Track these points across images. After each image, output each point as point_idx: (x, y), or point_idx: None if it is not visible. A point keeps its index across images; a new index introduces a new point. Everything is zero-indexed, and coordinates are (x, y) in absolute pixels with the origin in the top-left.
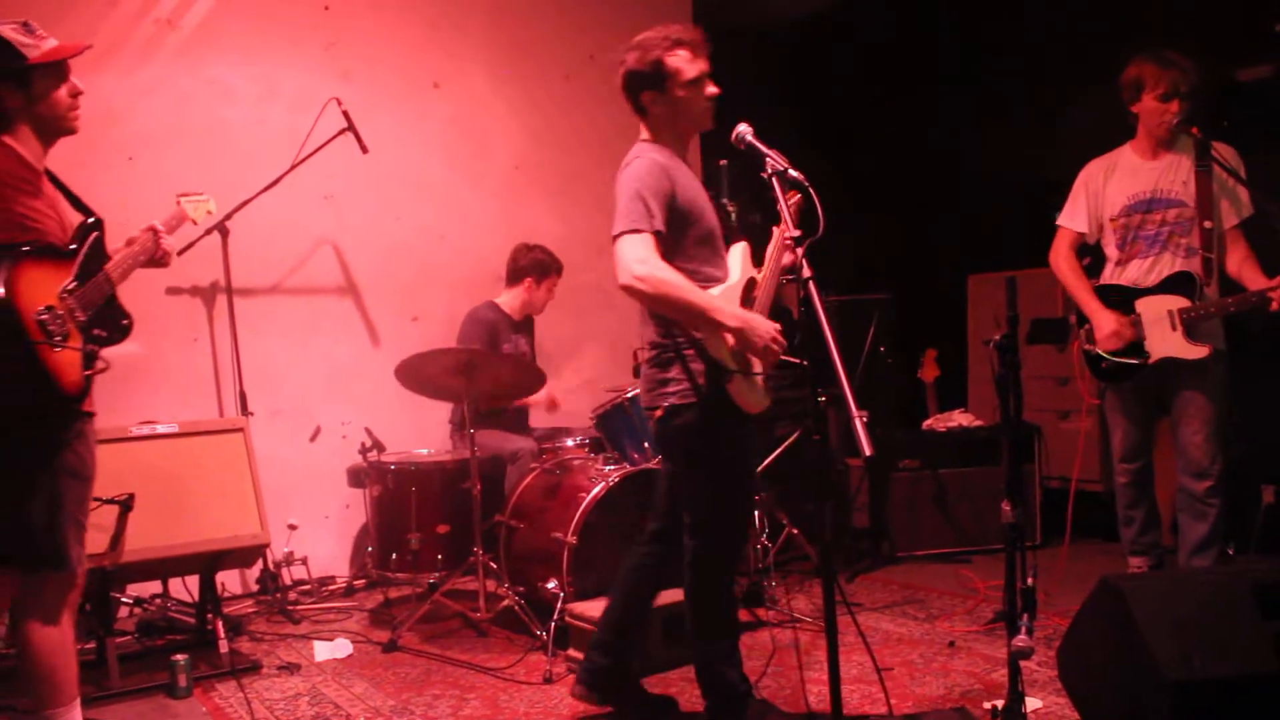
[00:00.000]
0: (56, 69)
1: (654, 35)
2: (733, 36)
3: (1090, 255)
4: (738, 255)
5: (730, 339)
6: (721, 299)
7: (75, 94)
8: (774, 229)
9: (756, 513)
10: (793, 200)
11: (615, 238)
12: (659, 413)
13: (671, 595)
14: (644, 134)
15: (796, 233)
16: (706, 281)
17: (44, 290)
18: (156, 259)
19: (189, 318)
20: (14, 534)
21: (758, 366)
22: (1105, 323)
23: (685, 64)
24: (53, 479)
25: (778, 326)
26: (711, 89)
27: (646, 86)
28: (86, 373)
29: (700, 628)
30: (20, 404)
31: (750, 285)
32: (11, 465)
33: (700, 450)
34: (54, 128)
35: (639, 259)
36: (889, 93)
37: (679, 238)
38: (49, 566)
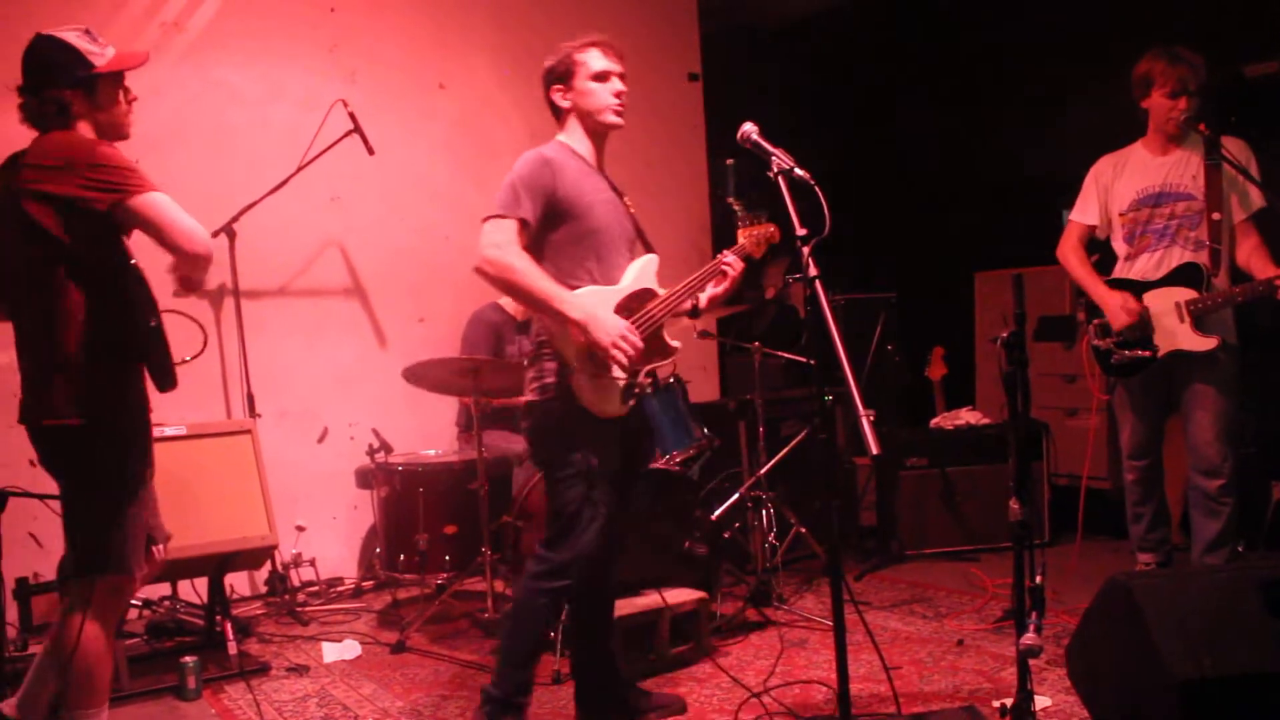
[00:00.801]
0: (118, 78)
1: (573, 40)
2: (738, 35)
3: (1099, 253)
4: (640, 267)
5: (578, 336)
6: (585, 296)
7: (131, 100)
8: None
9: (764, 511)
10: (758, 232)
11: (483, 222)
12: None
13: (676, 595)
14: (559, 133)
15: (735, 259)
16: (576, 280)
17: None
18: None
19: (197, 320)
20: (81, 537)
21: (616, 371)
22: (1112, 301)
23: (593, 60)
24: (136, 483)
25: (627, 326)
26: (617, 86)
27: (554, 81)
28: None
29: (506, 620)
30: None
31: (642, 296)
32: (97, 470)
33: (548, 449)
34: (112, 133)
35: (493, 243)
36: (894, 91)
37: (551, 232)
38: (109, 570)
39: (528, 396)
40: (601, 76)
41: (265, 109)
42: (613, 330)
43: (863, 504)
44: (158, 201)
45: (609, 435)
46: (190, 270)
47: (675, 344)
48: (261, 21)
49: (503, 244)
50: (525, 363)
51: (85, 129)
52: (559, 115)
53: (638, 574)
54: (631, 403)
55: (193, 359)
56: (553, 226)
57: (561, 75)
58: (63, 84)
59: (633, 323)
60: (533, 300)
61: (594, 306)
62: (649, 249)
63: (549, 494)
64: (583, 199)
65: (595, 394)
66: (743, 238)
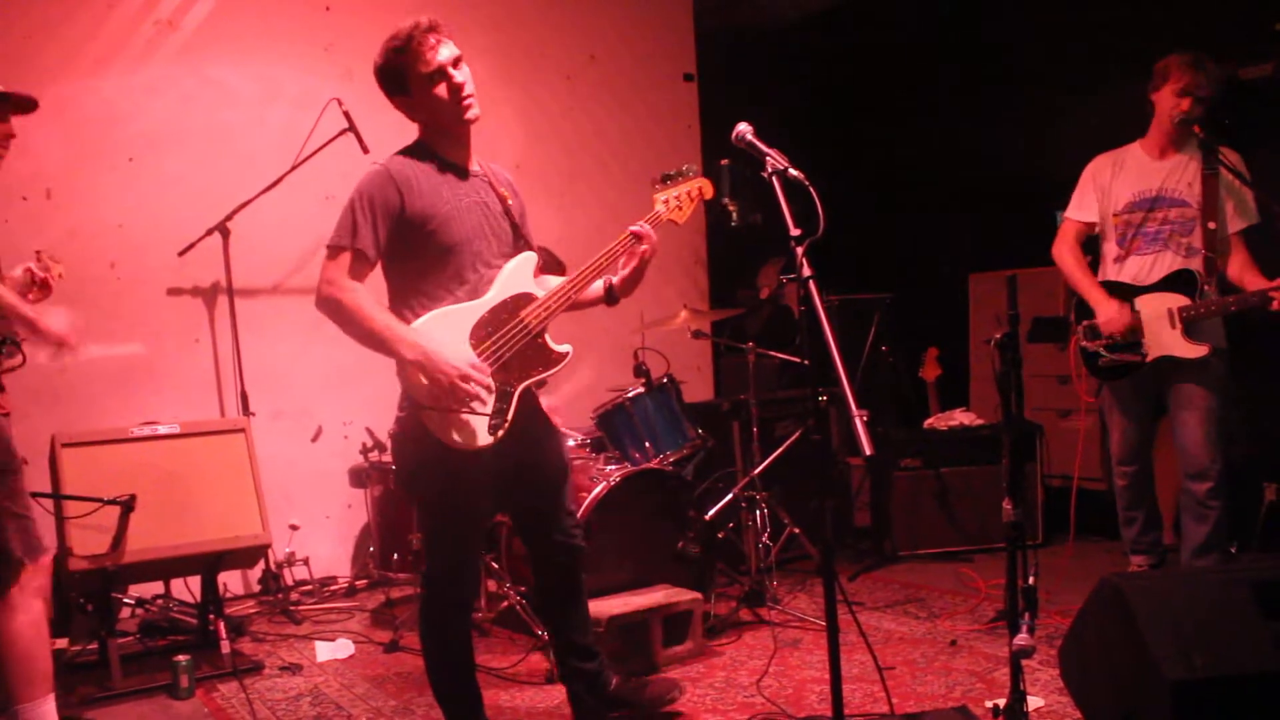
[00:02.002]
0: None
1: (390, 36)
2: (734, 35)
3: (1089, 254)
4: (509, 273)
5: (417, 377)
6: (428, 327)
7: (10, 136)
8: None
9: (758, 511)
10: (678, 192)
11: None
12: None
13: (670, 595)
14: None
15: (647, 228)
16: (436, 300)
17: None
18: (30, 292)
19: (190, 318)
20: None
21: (478, 406)
22: (1107, 308)
23: (419, 62)
24: None
25: (470, 362)
26: (458, 77)
27: (390, 93)
28: None
29: (428, 663)
30: None
31: (513, 305)
32: None
33: (408, 480)
34: None
35: (327, 279)
36: (890, 92)
37: (406, 251)
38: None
39: (392, 427)
40: (435, 76)
41: (260, 108)
42: (451, 371)
43: (857, 504)
44: None
45: (474, 466)
46: None
47: (563, 350)
48: (256, 20)
49: (335, 279)
50: None
51: None
52: (412, 119)
53: (632, 574)
54: (501, 433)
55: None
56: (407, 246)
57: (394, 85)
58: None
59: (499, 338)
60: (371, 340)
61: (431, 343)
62: (529, 246)
63: (419, 521)
64: (438, 211)
65: (454, 431)
66: (658, 204)
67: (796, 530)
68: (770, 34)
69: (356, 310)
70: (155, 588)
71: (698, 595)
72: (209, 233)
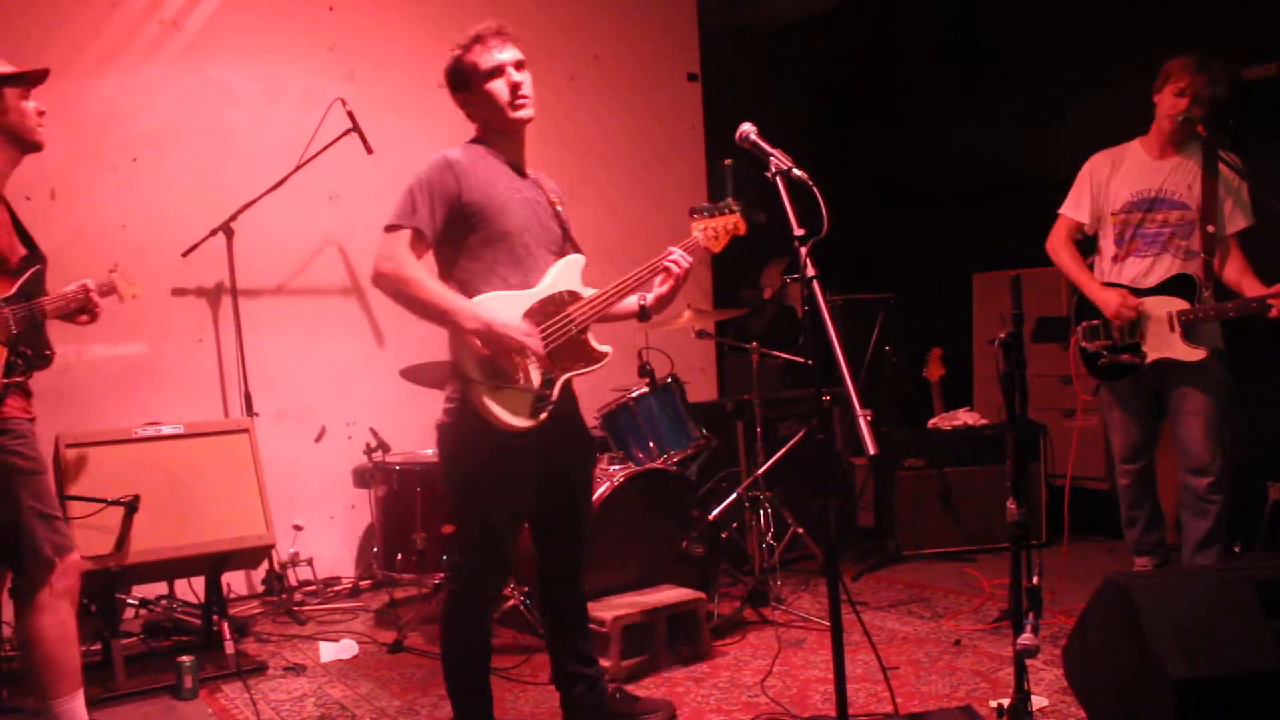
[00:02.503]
0: (19, 83)
1: (459, 38)
2: (737, 35)
3: (1084, 252)
4: (560, 269)
5: (477, 346)
6: (486, 303)
7: (40, 112)
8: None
9: (762, 511)
10: (716, 224)
11: (384, 230)
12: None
13: (674, 595)
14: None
15: (682, 255)
16: (488, 287)
17: None
18: (80, 315)
19: (194, 319)
20: None
21: (526, 381)
22: (1109, 299)
23: (482, 58)
24: (2, 482)
25: (528, 329)
26: (514, 78)
27: (453, 90)
28: (4, 380)
29: (445, 656)
30: None
31: (561, 300)
32: None
33: (453, 466)
34: (22, 140)
35: (386, 255)
36: (893, 91)
37: (461, 237)
38: (30, 564)
39: (439, 418)
40: (495, 73)
41: (264, 108)
42: (510, 338)
43: (860, 504)
44: None
45: (521, 452)
46: None
47: (604, 349)
48: (260, 20)
49: (395, 255)
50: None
51: None
52: (467, 113)
53: (636, 574)
54: (544, 415)
55: None
56: (462, 231)
57: (457, 83)
58: None
59: (548, 327)
60: (428, 311)
61: (493, 313)
62: (576, 249)
63: (453, 509)
64: (493, 201)
65: (499, 407)
66: (695, 231)
67: (800, 530)
68: (773, 34)
69: (419, 283)
70: (159, 588)
71: (702, 595)
72: (213, 233)
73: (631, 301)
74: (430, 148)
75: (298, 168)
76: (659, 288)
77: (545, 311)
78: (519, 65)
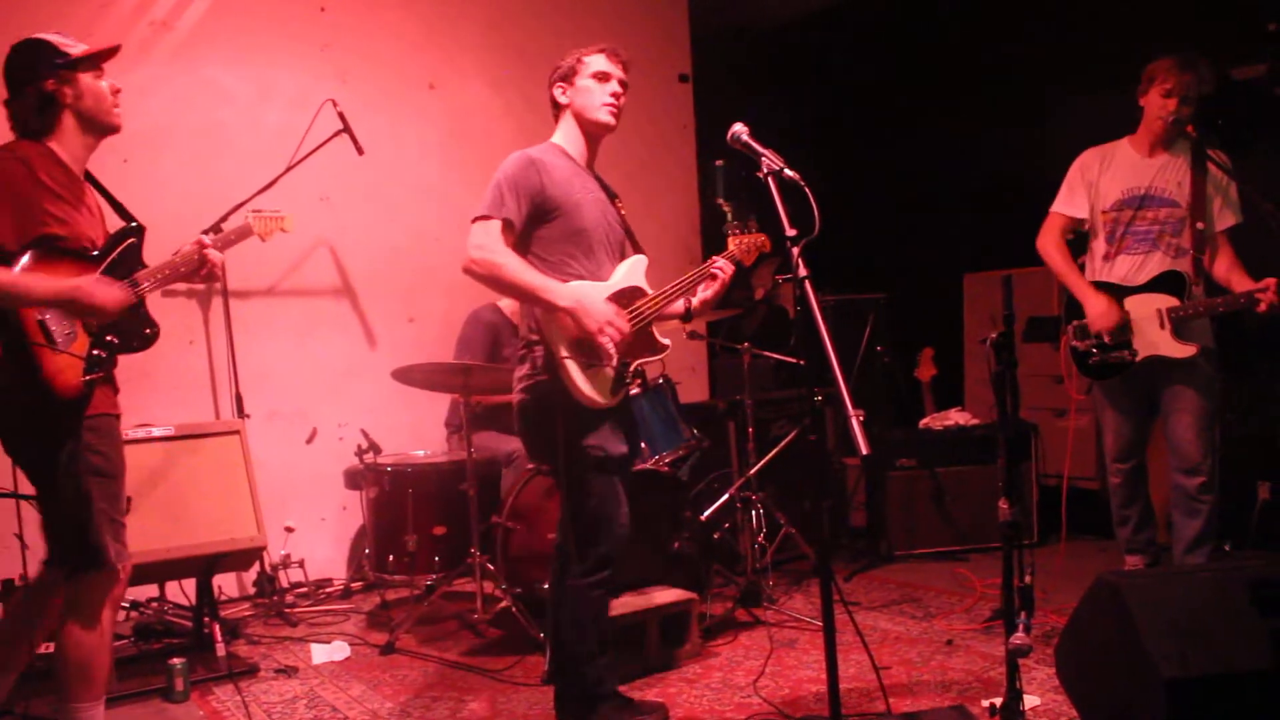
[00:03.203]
0: (93, 63)
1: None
2: (728, 36)
3: (1074, 253)
4: (629, 267)
5: (568, 323)
6: (579, 286)
7: (115, 92)
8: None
9: (754, 512)
10: (748, 240)
11: (471, 222)
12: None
13: (666, 596)
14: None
15: (726, 263)
16: (564, 276)
17: None
18: (201, 274)
19: (185, 320)
20: (51, 537)
21: (609, 360)
22: (1096, 303)
23: (597, 61)
24: (76, 480)
25: (616, 310)
26: (615, 88)
27: (558, 78)
28: (86, 378)
29: (558, 625)
30: (17, 404)
31: (630, 294)
32: (36, 470)
33: (535, 443)
34: (99, 123)
35: (477, 244)
36: (884, 92)
37: (539, 230)
38: (88, 567)
39: (517, 396)
40: (601, 76)
41: (255, 108)
42: (601, 315)
43: (852, 504)
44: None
45: (605, 424)
46: None
47: (665, 342)
48: (251, 20)
49: (487, 244)
50: (516, 363)
51: (70, 123)
52: (556, 113)
53: (628, 575)
54: (620, 395)
55: None
56: (541, 224)
57: (565, 74)
58: (41, 76)
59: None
60: (522, 293)
61: (583, 295)
62: (639, 250)
63: (564, 491)
64: (570, 198)
65: (586, 383)
66: (733, 245)
67: (792, 530)
68: (765, 35)
69: (513, 268)
70: (150, 590)
71: (694, 596)
72: (205, 233)
73: (677, 305)
74: (421, 149)
75: (289, 168)
76: (704, 292)
77: (618, 303)
78: (622, 83)
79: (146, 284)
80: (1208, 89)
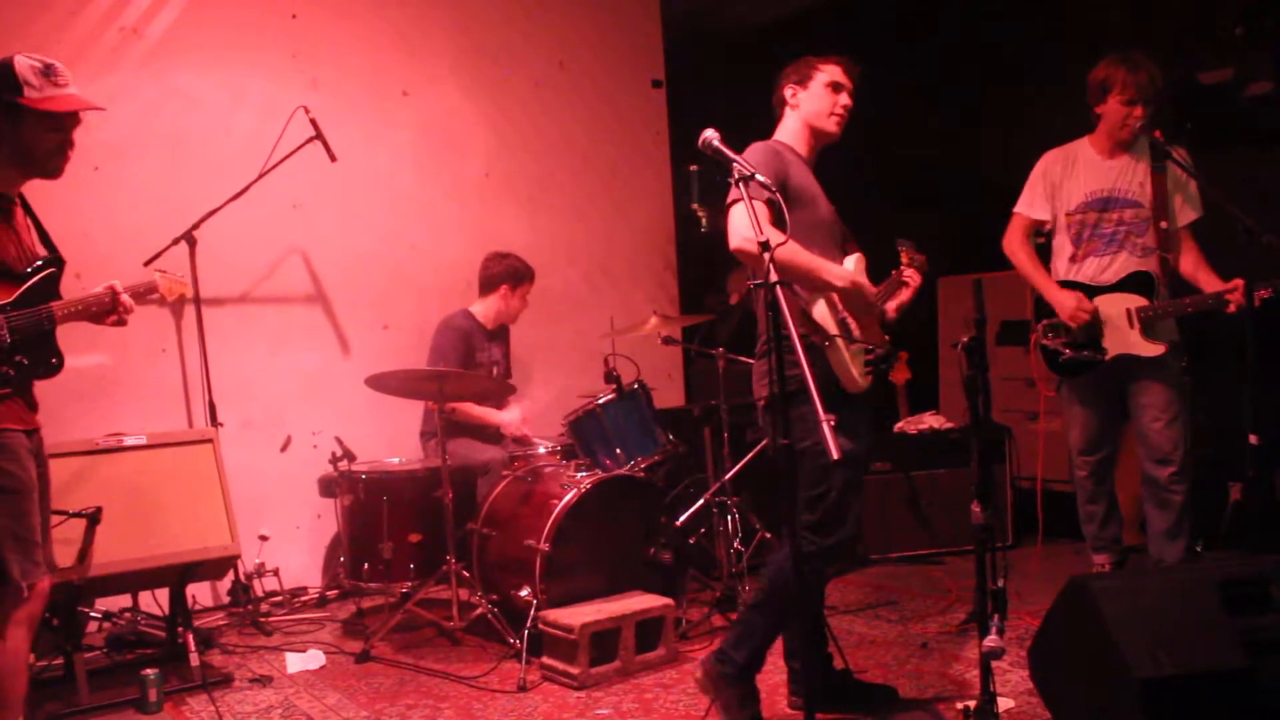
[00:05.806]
0: (47, 118)
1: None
2: (701, 41)
3: (1042, 257)
4: (854, 260)
5: (838, 301)
6: (839, 266)
7: (66, 146)
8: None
9: (729, 516)
10: (919, 259)
11: (727, 206)
12: (760, 401)
13: (642, 601)
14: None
15: (914, 273)
16: None
17: None
18: (109, 321)
19: (157, 328)
20: None
21: (857, 333)
22: (1065, 301)
23: (833, 71)
24: None
25: (879, 291)
26: (846, 101)
27: (791, 79)
28: None
29: (778, 615)
30: None
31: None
32: None
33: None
34: (33, 167)
35: (741, 233)
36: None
37: (789, 216)
38: None
39: (767, 391)
40: (836, 87)
41: (226, 116)
42: (872, 290)
43: None
44: None
45: (858, 413)
46: None
47: (887, 336)
48: (222, 28)
49: (751, 231)
50: (756, 359)
51: (4, 151)
52: (779, 111)
53: (604, 580)
54: (869, 379)
55: None
56: (789, 214)
57: (800, 77)
58: None
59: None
60: (798, 273)
61: (849, 273)
62: (857, 248)
63: (806, 476)
64: (807, 191)
65: (849, 365)
66: (905, 260)
67: (767, 535)
68: (738, 40)
69: (793, 248)
70: (123, 601)
71: (670, 601)
72: (175, 242)
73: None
74: (394, 156)
75: (260, 176)
76: (899, 297)
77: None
78: (851, 95)
79: (60, 314)
80: (1160, 82)
